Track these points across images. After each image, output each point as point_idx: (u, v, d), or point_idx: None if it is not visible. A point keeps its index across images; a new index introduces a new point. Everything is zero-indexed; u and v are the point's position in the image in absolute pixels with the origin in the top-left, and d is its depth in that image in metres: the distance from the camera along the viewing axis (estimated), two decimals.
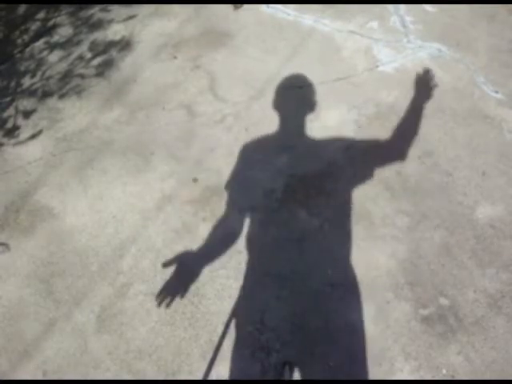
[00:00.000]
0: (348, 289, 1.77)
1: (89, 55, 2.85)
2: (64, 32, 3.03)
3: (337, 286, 1.77)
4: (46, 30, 3.06)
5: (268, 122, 2.33)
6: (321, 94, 2.41)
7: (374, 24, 2.76)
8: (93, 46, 2.90)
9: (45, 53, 2.91)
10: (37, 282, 1.93)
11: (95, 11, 3.13)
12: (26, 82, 2.75)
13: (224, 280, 1.84)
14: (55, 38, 3.00)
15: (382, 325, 1.68)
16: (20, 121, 2.55)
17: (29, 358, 1.74)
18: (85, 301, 1.85)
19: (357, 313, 1.71)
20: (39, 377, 1.70)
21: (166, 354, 1.70)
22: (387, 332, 1.66)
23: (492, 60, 2.48)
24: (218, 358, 1.65)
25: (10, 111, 2.60)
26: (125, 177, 2.23)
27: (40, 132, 2.47)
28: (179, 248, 1.95)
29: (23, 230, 2.09)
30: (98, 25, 3.04)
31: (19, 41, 3.02)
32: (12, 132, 2.49)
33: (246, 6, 2.98)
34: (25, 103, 2.63)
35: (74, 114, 2.53)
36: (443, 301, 1.72)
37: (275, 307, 1.75)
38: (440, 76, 2.43)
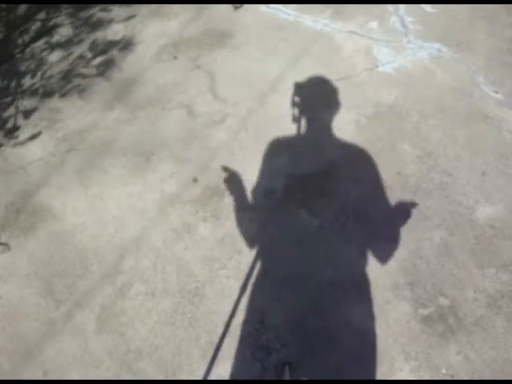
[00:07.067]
0: (348, 289, 1.77)
1: (89, 55, 2.85)
2: (64, 32, 3.03)
3: (337, 286, 1.78)
4: (47, 30, 3.06)
5: (268, 122, 2.33)
6: (321, 94, 2.41)
7: (374, 24, 2.76)
8: (93, 46, 2.90)
9: (45, 53, 2.91)
10: (37, 282, 1.93)
11: (95, 11, 3.13)
12: (27, 82, 2.75)
13: (224, 280, 1.84)
14: (55, 38, 3.00)
15: (382, 325, 1.68)
16: (20, 121, 2.55)
17: (29, 358, 1.74)
18: (85, 301, 1.86)
19: (357, 313, 1.71)
20: (39, 377, 1.70)
21: (166, 353, 1.70)
22: (387, 332, 1.66)
23: (492, 60, 2.48)
24: (218, 357, 1.65)
25: (11, 111, 2.60)
26: (125, 177, 2.23)
27: (40, 132, 2.47)
28: (179, 248, 1.95)
29: (23, 230, 2.09)
30: (99, 25, 3.04)
31: (19, 41, 3.02)
32: (12, 132, 2.49)
33: (246, 6, 2.98)
34: (25, 103, 2.63)
35: (75, 114, 2.53)
36: (443, 301, 1.72)
37: (275, 307, 1.75)
38: (440, 76, 2.43)
